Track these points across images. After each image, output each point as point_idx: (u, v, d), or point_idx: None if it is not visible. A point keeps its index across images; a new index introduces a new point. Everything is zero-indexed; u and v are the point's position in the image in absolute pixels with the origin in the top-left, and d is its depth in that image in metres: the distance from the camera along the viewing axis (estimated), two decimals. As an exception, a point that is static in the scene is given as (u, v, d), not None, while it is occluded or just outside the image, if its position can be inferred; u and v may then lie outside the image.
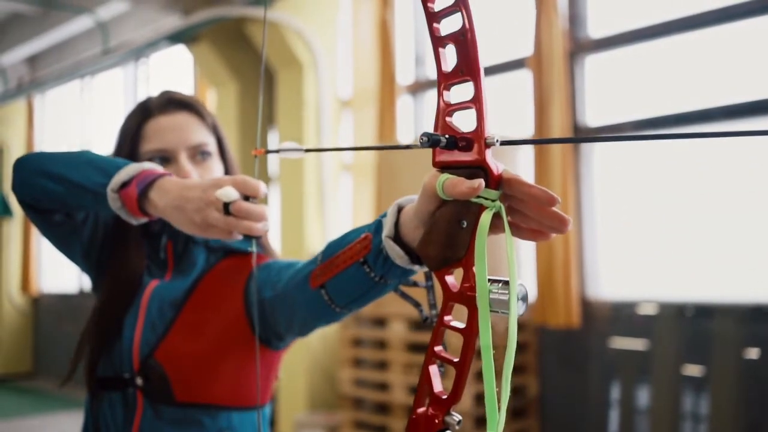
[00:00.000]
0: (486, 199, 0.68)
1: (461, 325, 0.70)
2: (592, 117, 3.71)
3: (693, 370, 3.13)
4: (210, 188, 0.99)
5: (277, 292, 1.12)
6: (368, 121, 4.49)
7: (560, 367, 3.72)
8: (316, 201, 4.56)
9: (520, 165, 3.76)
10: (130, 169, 1.05)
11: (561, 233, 0.69)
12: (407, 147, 0.86)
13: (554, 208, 0.67)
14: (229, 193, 0.97)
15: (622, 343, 3.40)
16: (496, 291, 0.67)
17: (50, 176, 1.10)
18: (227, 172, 1.34)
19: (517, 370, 3.69)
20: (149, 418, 1.18)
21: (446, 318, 0.72)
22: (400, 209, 0.86)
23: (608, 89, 3.73)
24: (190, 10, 5.03)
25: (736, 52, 3.33)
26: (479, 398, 3.46)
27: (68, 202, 1.11)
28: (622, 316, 3.47)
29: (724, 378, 3.04)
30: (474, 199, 0.69)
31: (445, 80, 0.72)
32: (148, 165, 1.07)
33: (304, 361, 4.42)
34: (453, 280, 0.73)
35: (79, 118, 7.48)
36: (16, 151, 7.98)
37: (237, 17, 4.71)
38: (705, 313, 3.16)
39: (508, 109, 4.04)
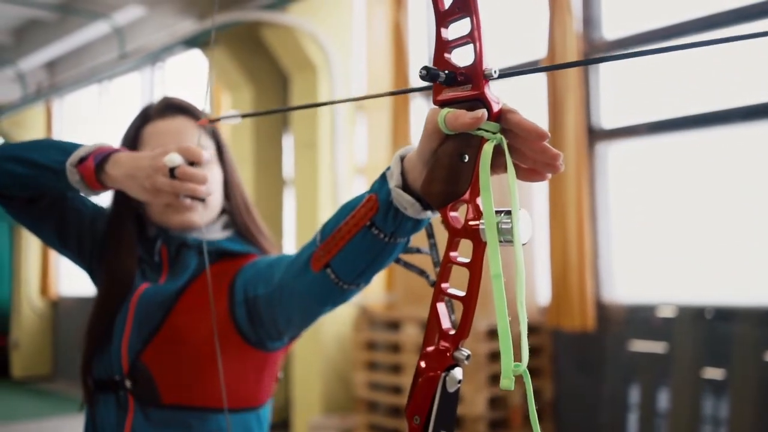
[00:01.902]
0: (486, 131, 0.70)
1: (467, 260, 0.71)
2: (607, 119, 3.69)
3: (713, 373, 3.10)
4: (158, 157, 1.09)
5: (273, 286, 1.11)
6: (382, 124, 4.49)
7: (575, 371, 3.69)
8: (331, 204, 4.56)
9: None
10: (87, 147, 1.15)
11: (554, 171, 0.70)
12: (391, 94, 0.87)
13: (546, 144, 0.69)
14: (174, 159, 1.08)
15: (640, 346, 3.37)
16: (499, 221, 0.68)
17: (14, 159, 1.17)
18: (227, 176, 1.34)
19: (532, 373, 3.66)
20: (140, 421, 1.19)
21: (452, 254, 0.72)
22: (402, 160, 0.86)
23: (623, 91, 3.71)
24: (205, 15, 5.06)
25: (752, 52, 3.29)
26: (493, 402, 3.45)
27: (32, 182, 1.18)
28: (640, 319, 3.44)
29: (745, 381, 3.00)
30: (475, 132, 0.70)
31: (442, 18, 0.73)
32: (104, 143, 1.17)
33: (318, 365, 4.43)
34: (457, 215, 0.73)
35: (98, 122, 7.55)
36: (35, 155, 8.07)
37: (252, 21, 4.73)
38: (725, 315, 3.13)
39: (522, 111, 4.02)
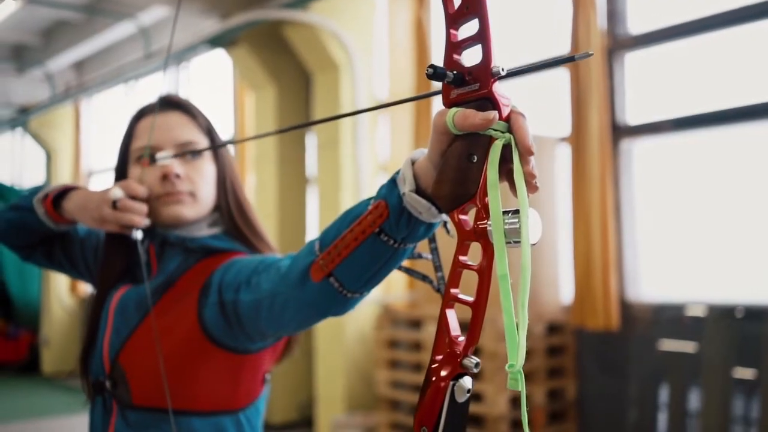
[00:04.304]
0: (495, 130, 0.69)
1: (476, 265, 0.70)
2: (632, 115, 3.64)
3: (744, 373, 3.05)
4: (107, 192, 1.24)
5: (262, 294, 1.08)
6: (404, 123, 4.48)
7: (599, 370, 3.65)
8: (353, 202, 4.55)
9: (558, 164, 3.70)
10: (52, 186, 1.34)
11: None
12: (400, 102, 0.86)
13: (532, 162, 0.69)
14: (116, 193, 1.23)
15: (669, 345, 3.32)
16: (507, 221, 0.66)
17: (7, 209, 1.38)
18: (221, 173, 1.34)
19: (555, 373, 3.64)
20: (120, 423, 1.21)
21: (461, 258, 0.71)
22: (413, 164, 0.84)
23: (648, 87, 3.65)
24: (228, 14, 5.09)
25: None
26: (515, 401, 3.42)
27: (21, 224, 1.35)
28: (667, 319, 3.39)
29: (775, 381, 2.95)
30: (483, 132, 0.70)
31: (452, 20, 0.73)
32: (66, 183, 1.35)
33: (341, 363, 4.43)
34: (467, 218, 0.72)
35: (125, 121, 7.62)
36: (64, 154, 8.19)
37: (274, 20, 4.74)
38: (755, 315, 3.08)
39: (545, 108, 3.99)
